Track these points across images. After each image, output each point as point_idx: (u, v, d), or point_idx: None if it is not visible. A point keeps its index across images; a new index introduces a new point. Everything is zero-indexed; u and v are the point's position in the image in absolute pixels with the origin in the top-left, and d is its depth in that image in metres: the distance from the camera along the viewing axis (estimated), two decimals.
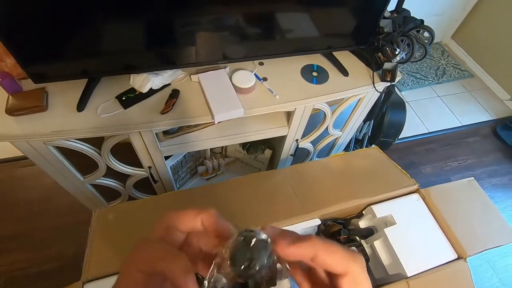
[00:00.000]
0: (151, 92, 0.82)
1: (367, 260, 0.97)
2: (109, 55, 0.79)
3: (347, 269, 0.24)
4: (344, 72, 0.96)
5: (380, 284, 0.97)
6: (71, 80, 0.80)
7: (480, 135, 1.89)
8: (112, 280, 0.74)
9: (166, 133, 0.95)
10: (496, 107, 2.04)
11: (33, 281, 1.21)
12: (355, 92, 0.95)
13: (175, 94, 0.82)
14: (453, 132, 1.86)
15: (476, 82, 2.18)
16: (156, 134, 0.86)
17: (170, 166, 1.10)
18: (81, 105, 0.77)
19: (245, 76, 0.87)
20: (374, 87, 0.94)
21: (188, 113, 0.81)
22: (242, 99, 0.84)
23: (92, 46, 0.75)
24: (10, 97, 0.74)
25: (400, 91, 2.03)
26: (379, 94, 1.04)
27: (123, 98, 0.79)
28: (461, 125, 1.91)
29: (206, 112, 0.81)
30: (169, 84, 0.85)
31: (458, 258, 0.86)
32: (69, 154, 0.89)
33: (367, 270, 0.94)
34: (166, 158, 1.07)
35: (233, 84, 0.84)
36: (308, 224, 0.88)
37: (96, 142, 0.88)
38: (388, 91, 1.20)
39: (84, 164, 0.94)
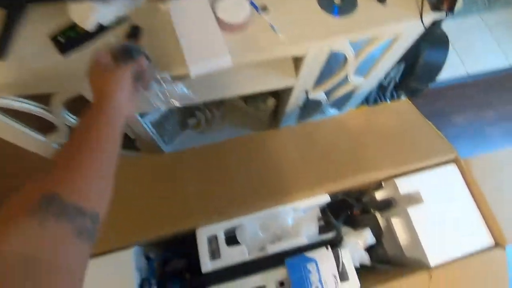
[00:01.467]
0: (101, 29, 0.57)
1: (380, 234, 0.83)
2: None
3: None
4: None
5: (393, 261, 0.86)
6: None
7: None
8: None
9: None
10: None
11: None
12: (393, 28, 0.67)
13: (134, 32, 0.57)
14: (497, 74, 1.54)
15: None
16: None
17: (150, 122, 0.90)
18: (1, 50, 0.54)
19: (235, 5, 0.59)
20: (422, 20, 0.66)
21: (155, 61, 0.58)
22: (230, 39, 0.58)
23: None
24: None
25: None
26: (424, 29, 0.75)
27: (60, 39, 0.56)
28: (508, 65, 1.57)
29: (179, 60, 0.57)
30: (127, 18, 0.59)
31: (495, 246, 0.71)
32: (19, 113, 0.70)
33: (381, 244, 0.79)
34: (142, 115, 0.87)
35: (217, 17, 0.58)
36: (314, 202, 0.72)
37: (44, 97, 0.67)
38: (433, 25, 0.89)
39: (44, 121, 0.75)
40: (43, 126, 0.79)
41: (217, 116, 1.12)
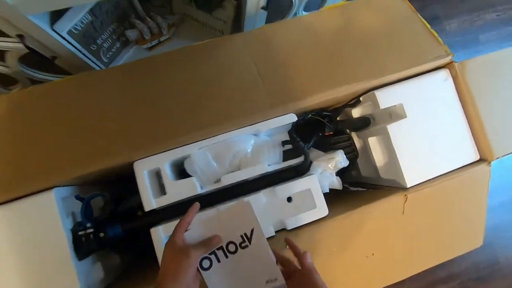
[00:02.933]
0: None
1: (355, 156, 0.75)
2: None
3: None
4: None
5: (366, 181, 0.80)
6: None
7: None
8: None
9: None
10: None
11: None
12: None
13: None
14: None
15: None
16: None
17: (67, 31, 0.68)
18: None
19: None
20: None
21: None
22: None
23: None
24: None
25: None
26: None
27: None
28: None
29: None
30: None
31: (480, 161, 0.63)
32: None
33: (355, 166, 0.71)
34: (56, 20, 0.66)
35: None
36: (278, 122, 0.60)
37: None
38: None
39: None
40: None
41: (163, 27, 0.90)
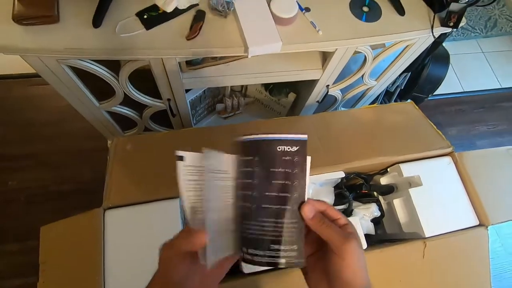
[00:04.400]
0: (177, 12, 0.70)
1: (382, 215, 0.96)
2: None
3: (340, 247, 0.29)
4: (400, 11, 0.81)
5: (391, 239, 0.99)
6: None
7: None
8: (132, 209, 0.74)
9: (189, 63, 0.86)
10: None
11: (52, 199, 1.26)
12: (408, 36, 0.81)
13: (200, 16, 0.71)
14: (489, 94, 1.72)
15: None
16: (179, 63, 0.78)
17: (190, 100, 1.03)
18: (97, 20, 0.67)
19: (285, 3, 0.73)
20: (432, 32, 0.81)
21: (217, 42, 0.71)
22: (280, 31, 0.72)
23: None
24: (16, 1, 0.64)
25: None
26: (434, 40, 0.90)
27: (145, 17, 0.69)
28: (500, 87, 1.75)
29: (239, 42, 0.70)
30: (197, 5, 0.73)
31: (480, 225, 0.85)
32: (85, 76, 0.82)
33: (381, 225, 0.93)
34: (186, 91, 1.00)
35: (271, 12, 0.72)
36: (331, 176, 0.85)
37: (114, 65, 0.79)
38: (439, 40, 1.04)
39: (101, 89, 0.87)
40: (101, 94, 0.91)
41: (242, 104, 1.25)
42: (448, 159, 0.91)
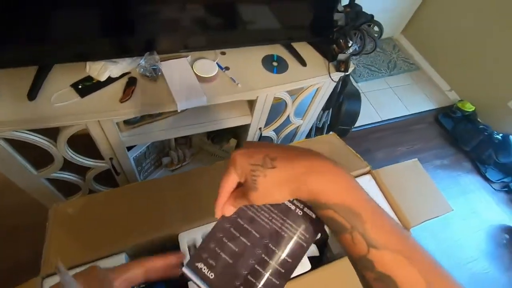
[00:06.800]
0: (110, 80, 0.80)
1: (326, 237, 1.04)
2: (61, 42, 0.76)
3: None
4: (302, 62, 1.01)
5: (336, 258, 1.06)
6: (19, 67, 0.75)
7: (425, 122, 2.09)
8: (74, 272, 0.72)
9: (127, 123, 0.93)
10: (438, 97, 2.27)
11: None
12: (312, 81, 1.00)
13: (132, 81, 0.81)
14: (402, 120, 2.04)
15: (422, 75, 2.39)
16: (117, 124, 0.85)
17: (133, 157, 1.08)
18: (32, 94, 0.73)
19: (207, 65, 0.88)
20: (330, 76, 1.01)
21: (149, 102, 0.81)
22: (205, 87, 0.85)
23: (41, 31, 0.71)
24: None
25: (356, 82, 2.16)
26: (335, 83, 1.11)
27: (79, 87, 0.77)
28: (409, 113, 2.09)
29: (168, 100, 0.81)
30: (129, 73, 0.84)
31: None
32: (21, 146, 0.84)
33: (327, 247, 1.01)
34: (129, 149, 1.05)
35: (195, 73, 0.85)
36: None
37: (52, 133, 0.83)
38: (344, 81, 1.28)
39: (38, 157, 0.89)
40: (39, 162, 0.93)
41: (187, 156, 1.33)
42: (368, 176, 1.06)
